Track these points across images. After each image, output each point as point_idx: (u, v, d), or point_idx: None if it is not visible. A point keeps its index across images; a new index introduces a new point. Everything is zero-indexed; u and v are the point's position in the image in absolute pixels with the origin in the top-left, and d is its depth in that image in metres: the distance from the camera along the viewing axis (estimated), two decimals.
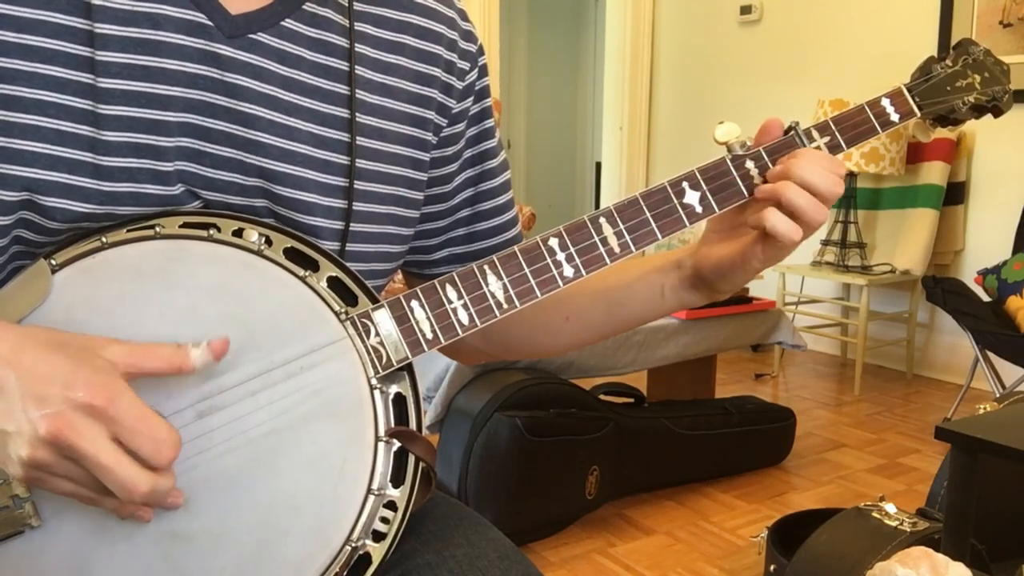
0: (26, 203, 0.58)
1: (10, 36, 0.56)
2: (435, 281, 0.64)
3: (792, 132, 0.71)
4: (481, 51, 0.77)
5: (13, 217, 0.58)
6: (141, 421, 0.52)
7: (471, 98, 0.75)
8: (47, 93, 0.57)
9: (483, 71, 0.77)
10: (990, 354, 2.81)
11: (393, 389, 0.63)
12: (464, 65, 0.74)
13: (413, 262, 0.80)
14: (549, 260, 0.66)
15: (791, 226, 0.66)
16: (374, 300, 0.63)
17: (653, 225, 0.68)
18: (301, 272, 0.61)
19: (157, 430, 0.52)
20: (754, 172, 0.70)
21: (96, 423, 0.51)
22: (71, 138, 0.58)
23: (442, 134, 0.74)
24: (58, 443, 0.50)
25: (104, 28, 0.58)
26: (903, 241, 3.36)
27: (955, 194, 3.35)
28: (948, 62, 0.77)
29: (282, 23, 0.64)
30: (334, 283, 0.62)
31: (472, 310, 0.64)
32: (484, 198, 0.79)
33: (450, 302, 0.64)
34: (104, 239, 0.59)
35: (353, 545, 0.59)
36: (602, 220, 0.67)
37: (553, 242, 0.66)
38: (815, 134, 0.71)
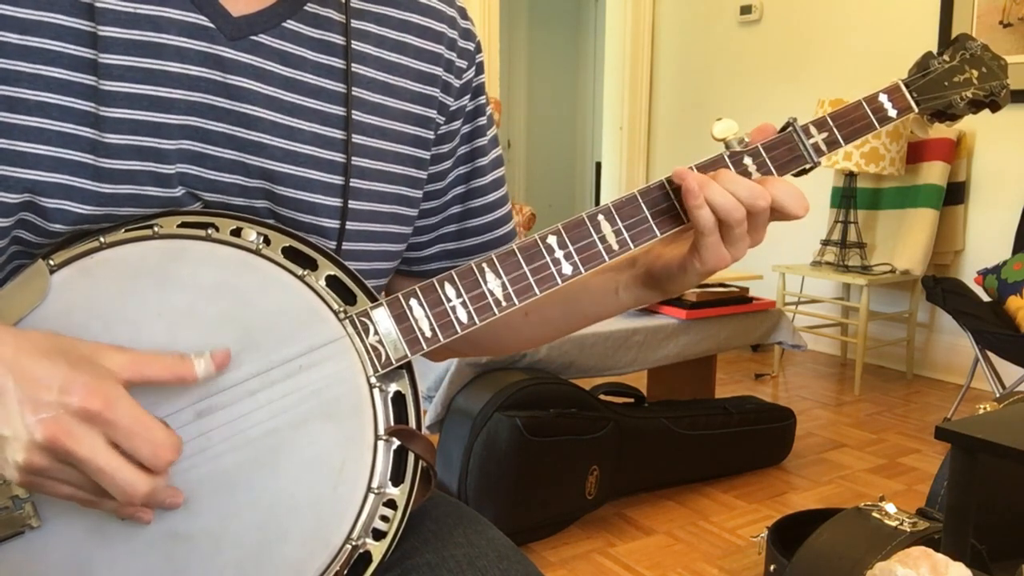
0: (27, 205, 0.58)
1: (12, 37, 0.56)
2: (434, 279, 0.64)
3: (790, 129, 0.71)
4: (478, 48, 0.77)
5: (13, 219, 0.58)
6: (138, 424, 0.52)
7: (468, 95, 0.76)
8: (50, 95, 0.57)
9: (479, 68, 0.77)
10: (990, 354, 2.81)
11: (392, 388, 0.63)
12: (462, 63, 0.75)
13: (403, 259, 0.80)
14: (548, 258, 0.66)
15: (708, 216, 0.65)
16: (373, 299, 0.63)
17: (651, 222, 0.68)
18: (299, 271, 0.61)
19: (155, 433, 0.52)
20: (752, 168, 0.70)
21: (92, 428, 0.51)
22: (73, 140, 0.58)
23: (439, 131, 0.74)
24: (54, 448, 0.50)
25: (107, 30, 0.58)
26: (903, 241, 3.36)
27: (955, 194, 3.35)
28: (946, 57, 0.76)
29: (284, 24, 0.64)
30: (332, 282, 0.62)
31: (471, 308, 0.64)
32: (475, 195, 0.79)
33: (449, 300, 0.64)
34: (102, 239, 0.59)
35: (353, 544, 0.59)
36: (600, 218, 0.67)
37: (551, 240, 0.66)
38: (813, 130, 0.71)
